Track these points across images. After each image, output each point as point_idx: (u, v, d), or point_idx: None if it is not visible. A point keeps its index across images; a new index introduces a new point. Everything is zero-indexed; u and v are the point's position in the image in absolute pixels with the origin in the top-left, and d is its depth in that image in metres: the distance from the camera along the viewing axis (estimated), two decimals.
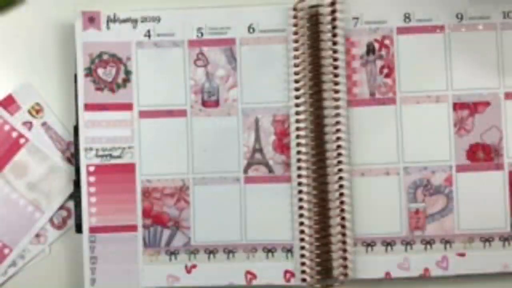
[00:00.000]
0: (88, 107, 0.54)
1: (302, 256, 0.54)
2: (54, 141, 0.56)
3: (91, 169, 0.54)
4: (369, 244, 0.54)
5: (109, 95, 0.55)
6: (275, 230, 0.54)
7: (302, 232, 0.53)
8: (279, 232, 0.54)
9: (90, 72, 0.54)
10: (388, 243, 0.54)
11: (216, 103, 0.55)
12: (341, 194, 0.53)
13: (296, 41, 0.54)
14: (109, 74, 0.55)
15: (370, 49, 0.54)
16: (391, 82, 0.54)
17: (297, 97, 0.54)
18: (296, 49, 0.54)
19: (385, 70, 0.54)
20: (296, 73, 0.54)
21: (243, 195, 0.54)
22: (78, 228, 0.54)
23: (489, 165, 0.54)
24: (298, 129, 0.54)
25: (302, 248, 0.54)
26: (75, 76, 0.55)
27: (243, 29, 0.55)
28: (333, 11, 0.53)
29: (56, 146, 0.56)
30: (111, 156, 0.54)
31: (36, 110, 0.56)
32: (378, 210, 0.54)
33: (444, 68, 0.54)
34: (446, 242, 0.54)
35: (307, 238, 0.53)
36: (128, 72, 0.55)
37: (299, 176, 0.54)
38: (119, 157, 0.54)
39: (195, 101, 0.55)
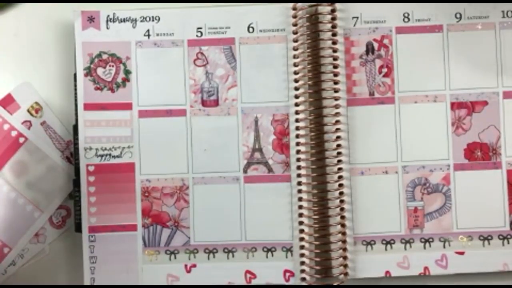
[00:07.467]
0: (88, 106, 0.54)
1: (302, 255, 0.54)
2: (54, 140, 0.55)
3: (91, 168, 0.54)
4: (369, 243, 0.54)
5: (108, 95, 0.54)
6: (274, 230, 0.54)
7: (301, 231, 0.54)
8: (279, 231, 0.54)
9: (89, 71, 0.54)
10: (388, 242, 0.54)
11: (216, 103, 0.55)
12: (341, 193, 0.53)
13: (295, 40, 0.54)
14: (108, 73, 0.54)
15: (369, 49, 0.55)
16: (390, 81, 0.54)
17: (296, 97, 0.54)
18: (295, 49, 0.54)
19: (384, 70, 0.55)
20: (295, 73, 0.54)
21: (242, 194, 0.54)
22: (78, 228, 0.54)
23: (487, 163, 0.54)
24: (297, 128, 0.54)
25: (302, 247, 0.54)
26: (75, 75, 0.55)
27: (242, 29, 0.55)
28: (333, 11, 0.54)
29: (56, 145, 0.55)
30: (110, 155, 0.54)
31: (36, 109, 0.55)
32: (377, 209, 0.54)
33: (443, 68, 0.54)
34: (445, 240, 0.54)
35: (306, 237, 0.54)
36: (127, 72, 0.55)
37: (299, 175, 0.54)
38: (118, 156, 0.54)
39: (194, 100, 0.55)
